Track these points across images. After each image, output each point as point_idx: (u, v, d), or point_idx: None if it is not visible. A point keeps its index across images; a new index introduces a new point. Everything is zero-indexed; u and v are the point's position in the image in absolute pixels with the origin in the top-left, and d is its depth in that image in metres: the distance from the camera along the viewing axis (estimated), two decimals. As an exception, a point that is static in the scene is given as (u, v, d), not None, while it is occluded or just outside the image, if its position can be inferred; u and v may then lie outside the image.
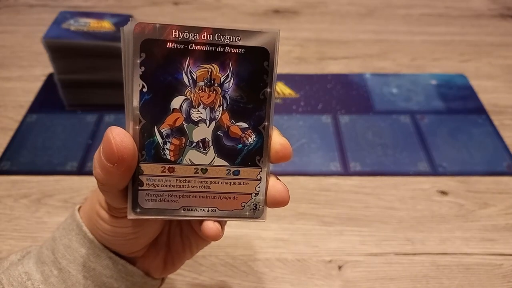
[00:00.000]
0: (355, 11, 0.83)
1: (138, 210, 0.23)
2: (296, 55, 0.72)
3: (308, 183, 0.51)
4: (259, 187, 0.24)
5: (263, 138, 0.24)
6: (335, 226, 0.46)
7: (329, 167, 0.52)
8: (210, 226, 0.24)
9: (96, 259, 0.27)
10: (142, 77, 0.22)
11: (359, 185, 0.51)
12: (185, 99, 0.22)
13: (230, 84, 0.23)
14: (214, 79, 0.22)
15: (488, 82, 0.66)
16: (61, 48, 0.54)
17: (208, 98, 0.23)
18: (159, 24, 0.21)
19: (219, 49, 0.22)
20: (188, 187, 0.23)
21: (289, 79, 0.66)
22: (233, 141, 0.23)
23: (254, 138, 0.23)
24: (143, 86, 0.22)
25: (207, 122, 0.23)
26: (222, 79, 0.22)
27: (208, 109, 0.23)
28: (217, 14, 0.82)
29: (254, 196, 0.24)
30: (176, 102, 0.22)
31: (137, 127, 0.22)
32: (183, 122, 0.23)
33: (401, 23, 0.80)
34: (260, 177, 0.24)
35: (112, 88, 0.56)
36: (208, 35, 0.22)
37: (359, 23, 0.80)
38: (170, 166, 0.23)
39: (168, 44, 0.21)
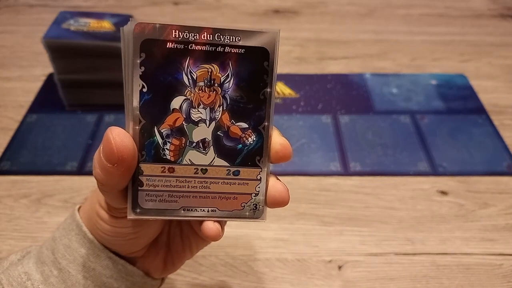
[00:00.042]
0: (355, 11, 0.83)
1: (138, 210, 0.23)
2: (296, 55, 0.72)
3: (308, 183, 0.51)
4: (259, 187, 0.24)
5: (263, 138, 0.23)
6: (335, 226, 0.46)
7: (329, 167, 0.52)
8: (210, 226, 0.24)
9: (96, 259, 0.27)
10: (142, 77, 0.22)
11: (359, 185, 0.51)
12: (185, 99, 0.22)
13: (230, 84, 0.23)
14: (214, 79, 0.22)
15: (488, 82, 0.66)
16: (61, 48, 0.54)
17: (208, 98, 0.22)
18: (159, 24, 0.21)
19: (219, 49, 0.22)
20: (188, 187, 0.23)
21: (289, 79, 0.66)
22: (233, 141, 0.23)
23: (254, 138, 0.23)
24: (143, 86, 0.22)
25: (207, 122, 0.23)
26: (222, 79, 0.22)
27: (208, 109, 0.23)
28: (217, 14, 0.82)
29: (254, 196, 0.24)
30: (176, 102, 0.22)
31: (137, 127, 0.22)
32: (183, 122, 0.23)
33: (401, 23, 0.80)
34: (260, 177, 0.24)
35: (112, 88, 0.56)
36: (208, 35, 0.22)
37: (359, 23, 0.80)
38: (170, 166, 0.23)
39: (168, 44, 0.21)
